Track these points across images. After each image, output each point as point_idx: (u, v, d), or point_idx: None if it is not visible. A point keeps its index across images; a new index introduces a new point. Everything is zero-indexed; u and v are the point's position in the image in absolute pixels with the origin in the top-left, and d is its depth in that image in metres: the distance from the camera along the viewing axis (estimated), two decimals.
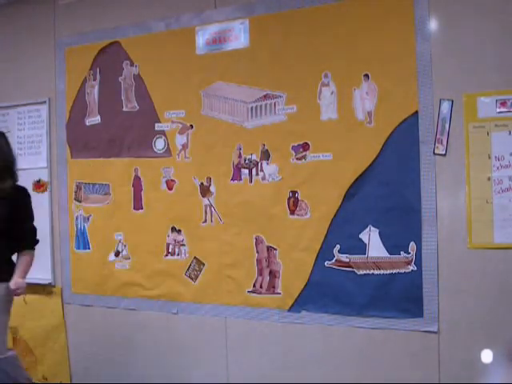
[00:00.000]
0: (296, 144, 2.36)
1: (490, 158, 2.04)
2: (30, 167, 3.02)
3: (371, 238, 2.23)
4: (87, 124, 2.86)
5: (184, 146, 2.61)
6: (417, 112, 2.14)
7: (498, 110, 2.03)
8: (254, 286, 2.46)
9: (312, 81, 2.33)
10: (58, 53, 2.95)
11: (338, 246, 2.29)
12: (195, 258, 2.59)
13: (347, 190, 2.26)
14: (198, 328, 2.60)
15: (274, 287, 2.42)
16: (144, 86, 2.70)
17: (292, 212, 2.38)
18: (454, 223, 2.09)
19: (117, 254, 2.79)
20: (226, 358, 2.54)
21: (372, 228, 2.23)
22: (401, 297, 2.17)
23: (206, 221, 2.56)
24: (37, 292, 2.98)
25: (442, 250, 2.11)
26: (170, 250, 2.65)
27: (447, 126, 2.10)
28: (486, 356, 2.03)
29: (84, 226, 2.88)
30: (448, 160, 2.10)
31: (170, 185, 2.65)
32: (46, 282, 2.94)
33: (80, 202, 2.88)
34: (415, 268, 2.15)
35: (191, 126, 2.60)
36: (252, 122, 2.46)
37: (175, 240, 2.64)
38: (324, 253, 2.30)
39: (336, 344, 2.30)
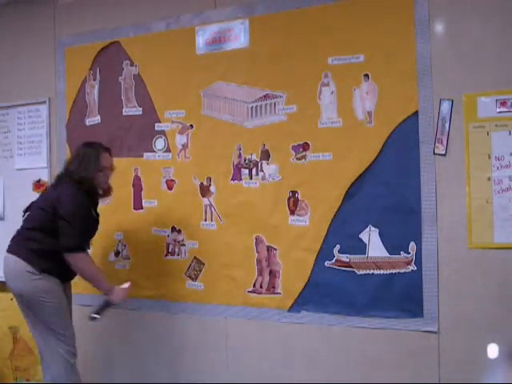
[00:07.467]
0: (296, 144, 2.36)
1: (489, 157, 2.04)
2: (30, 167, 3.03)
3: (371, 238, 2.23)
4: (87, 124, 2.86)
5: (184, 146, 2.61)
6: (417, 112, 2.14)
7: (498, 110, 2.03)
8: (254, 285, 2.46)
9: (312, 81, 2.33)
10: (57, 53, 2.95)
11: (338, 246, 2.29)
12: (195, 257, 2.59)
13: (347, 190, 2.26)
14: (198, 328, 2.60)
15: (274, 287, 2.42)
16: (144, 85, 2.70)
17: (292, 212, 2.38)
18: (454, 223, 2.09)
19: (117, 253, 2.79)
20: (226, 357, 2.54)
21: (372, 228, 2.23)
22: (401, 297, 2.17)
23: (206, 221, 2.56)
24: None
25: (442, 249, 2.11)
26: (170, 250, 2.65)
27: (447, 125, 2.10)
28: (486, 356, 2.03)
29: None
30: (448, 160, 2.10)
31: (169, 185, 2.65)
32: None
33: None
34: (415, 268, 2.15)
35: (191, 126, 2.60)
36: (252, 121, 2.46)
37: (175, 240, 2.64)
38: (324, 253, 2.31)
39: (336, 344, 2.31)
